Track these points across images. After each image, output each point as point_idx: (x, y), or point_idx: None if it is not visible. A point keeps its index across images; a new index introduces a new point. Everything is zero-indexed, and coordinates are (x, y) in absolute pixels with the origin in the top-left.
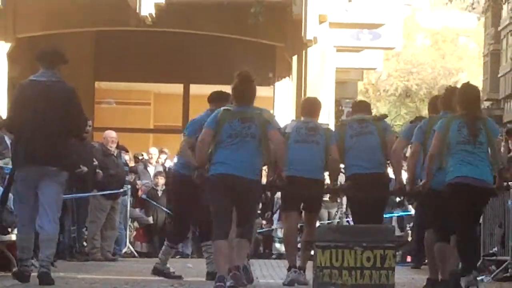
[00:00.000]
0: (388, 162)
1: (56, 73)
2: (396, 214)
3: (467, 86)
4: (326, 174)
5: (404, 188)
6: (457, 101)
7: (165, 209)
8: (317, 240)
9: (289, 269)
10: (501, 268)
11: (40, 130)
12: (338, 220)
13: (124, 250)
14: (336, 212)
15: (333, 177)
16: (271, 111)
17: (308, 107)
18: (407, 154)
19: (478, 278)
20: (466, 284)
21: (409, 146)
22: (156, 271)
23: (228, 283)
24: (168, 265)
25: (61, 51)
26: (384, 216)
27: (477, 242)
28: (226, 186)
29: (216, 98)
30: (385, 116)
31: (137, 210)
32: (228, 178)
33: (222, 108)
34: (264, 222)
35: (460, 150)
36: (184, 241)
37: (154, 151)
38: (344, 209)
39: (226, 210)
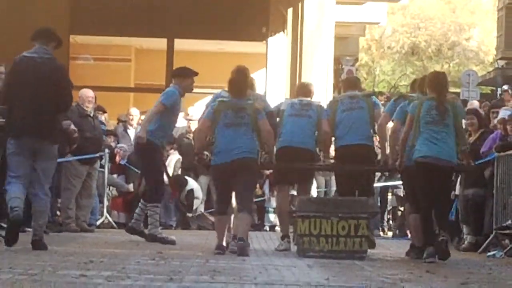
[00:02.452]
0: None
1: (48, 50)
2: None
3: (437, 72)
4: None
5: (386, 162)
6: (428, 85)
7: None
8: (298, 210)
9: (282, 238)
10: None
11: (31, 104)
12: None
13: (101, 220)
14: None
15: (324, 149)
16: (263, 93)
17: (303, 90)
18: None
19: (490, 253)
20: (425, 256)
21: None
22: (132, 231)
23: (230, 248)
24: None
25: (55, 31)
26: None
27: (443, 217)
28: (227, 172)
29: (177, 74)
30: (373, 93)
31: (115, 176)
32: (228, 165)
33: (218, 100)
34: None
35: (427, 129)
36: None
37: (135, 112)
38: None
39: (228, 192)
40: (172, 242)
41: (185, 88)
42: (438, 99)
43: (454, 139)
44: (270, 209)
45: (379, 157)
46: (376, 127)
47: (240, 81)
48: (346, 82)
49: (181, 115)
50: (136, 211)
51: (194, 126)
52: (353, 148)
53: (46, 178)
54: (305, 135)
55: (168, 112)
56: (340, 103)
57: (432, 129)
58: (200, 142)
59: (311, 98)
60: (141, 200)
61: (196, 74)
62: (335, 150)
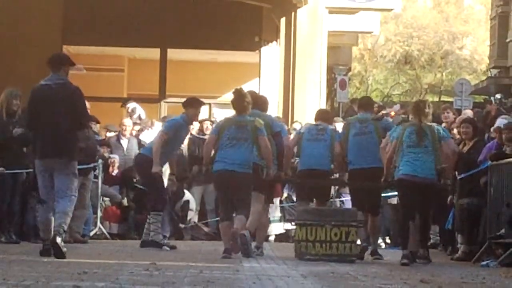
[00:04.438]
0: None
1: (61, 75)
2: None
3: (419, 101)
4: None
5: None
6: (410, 112)
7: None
8: (296, 219)
9: None
10: (509, 251)
11: (50, 128)
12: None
13: (94, 231)
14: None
15: (338, 167)
16: (267, 115)
17: (323, 115)
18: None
19: (483, 263)
20: (400, 258)
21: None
22: (152, 244)
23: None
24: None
25: (66, 55)
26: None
27: (425, 226)
28: (223, 179)
29: (187, 104)
30: (382, 116)
31: (107, 187)
32: (224, 173)
33: (224, 117)
34: None
35: (408, 152)
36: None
37: (128, 122)
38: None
39: (227, 199)
40: (173, 248)
41: (191, 118)
42: (418, 125)
43: (433, 158)
44: (276, 218)
45: None
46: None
47: (238, 100)
48: (360, 103)
49: (159, 125)
50: (146, 226)
51: None
52: (365, 172)
53: (64, 189)
54: (322, 157)
55: (170, 140)
56: (352, 126)
57: (412, 151)
58: (208, 155)
59: (331, 123)
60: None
61: (203, 104)
62: (349, 172)
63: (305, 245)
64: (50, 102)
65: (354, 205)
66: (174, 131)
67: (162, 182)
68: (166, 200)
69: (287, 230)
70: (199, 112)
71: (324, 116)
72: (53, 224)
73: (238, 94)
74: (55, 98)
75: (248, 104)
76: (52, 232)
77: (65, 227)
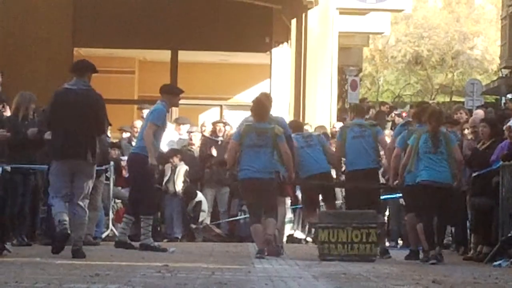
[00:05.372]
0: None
1: (86, 81)
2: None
3: (434, 109)
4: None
5: (388, 181)
6: (426, 119)
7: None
8: (319, 222)
9: None
10: None
11: (71, 130)
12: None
13: (106, 233)
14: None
15: (335, 168)
16: (280, 118)
17: (295, 126)
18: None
19: (496, 263)
20: (429, 258)
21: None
22: (120, 244)
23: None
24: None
25: (90, 62)
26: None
27: (441, 229)
28: (250, 186)
29: (166, 91)
30: (377, 124)
31: (120, 188)
32: (250, 180)
33: (245, 124)
34: None
35: (426, 158)
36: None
37: (139, 124)
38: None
39: (255, 203)
40: (164, 251)
41: (173, 105)
42: (433, 132)
43: (448, 164)
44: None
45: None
46: (384, 148)
47: (260, 109)
48: (356, 110)
49: (172, 126)
50: (121, 225)
51: (195, 138)
52: (363, 172)
53: (82, 195)
54: (322, 161)
55: (159, 129)
56: (350, 129)
57: (430, 157)
58: (231, 160)
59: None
60: (125, 215)
61: (182, 91)
62: (346, 173)
63: (327, 247)
64: (74, 107)
65: (350, 207)
66: (162, 121)
67: (153, 183)
68: (156, 202)
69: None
70: (179, 99)
71: (297, 125)
72: (67, 218)
73: (258, 102)
74: (79, 103)
75: (267, 112)
76: (73, 244)
77: (83, 238)
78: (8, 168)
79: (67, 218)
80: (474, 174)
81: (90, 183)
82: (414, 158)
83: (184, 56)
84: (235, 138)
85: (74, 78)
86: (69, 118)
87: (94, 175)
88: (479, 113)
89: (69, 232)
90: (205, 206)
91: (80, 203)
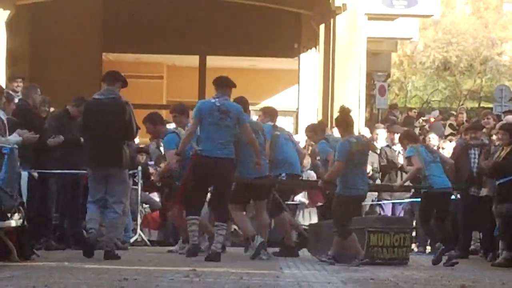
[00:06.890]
0: None
1: (114, 90)
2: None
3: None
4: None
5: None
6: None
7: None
8: (368, 227)
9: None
10: None
11: (101, 139)
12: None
13: (134, 238)
14: None
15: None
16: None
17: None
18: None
19: None
20: (447, 258)
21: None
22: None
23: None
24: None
25: (123, 75)
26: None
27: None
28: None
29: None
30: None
31: (147, 194)
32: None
33: (351, 141)
34: None
35: (430, 166)
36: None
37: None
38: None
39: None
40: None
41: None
42: (424, 144)
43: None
44: None
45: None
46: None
47: (342, 121)
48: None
49: None
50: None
51: None
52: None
53: (116, 199)
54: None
55: None
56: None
57: (433, 166)
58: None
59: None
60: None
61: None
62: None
63: (376, 250)
64: (102, 116)
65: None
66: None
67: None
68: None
69: None
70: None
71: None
72: (96, 225)
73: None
74: (108, 112)
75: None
76: (105, 246)
77: (115, 240)
78: (36, 174)
79: (95, 226)
80: (498, 182)
81: (126, 188)
82: (424, 167)
83: (213, 61)
84: (342, 159)
85: (104, 87)
86: (98, 127)
87: (127, 179)
88: (509, 118)
89: (97, 239)
90: None
91: (114, 206)
